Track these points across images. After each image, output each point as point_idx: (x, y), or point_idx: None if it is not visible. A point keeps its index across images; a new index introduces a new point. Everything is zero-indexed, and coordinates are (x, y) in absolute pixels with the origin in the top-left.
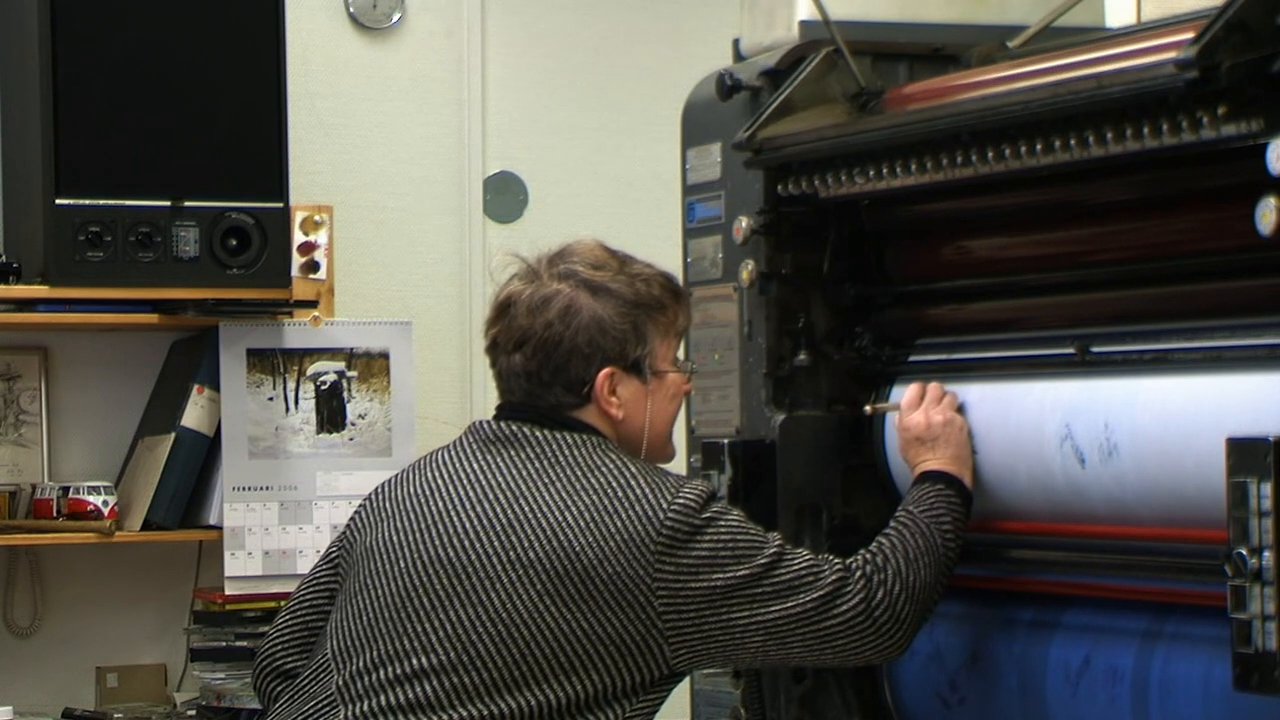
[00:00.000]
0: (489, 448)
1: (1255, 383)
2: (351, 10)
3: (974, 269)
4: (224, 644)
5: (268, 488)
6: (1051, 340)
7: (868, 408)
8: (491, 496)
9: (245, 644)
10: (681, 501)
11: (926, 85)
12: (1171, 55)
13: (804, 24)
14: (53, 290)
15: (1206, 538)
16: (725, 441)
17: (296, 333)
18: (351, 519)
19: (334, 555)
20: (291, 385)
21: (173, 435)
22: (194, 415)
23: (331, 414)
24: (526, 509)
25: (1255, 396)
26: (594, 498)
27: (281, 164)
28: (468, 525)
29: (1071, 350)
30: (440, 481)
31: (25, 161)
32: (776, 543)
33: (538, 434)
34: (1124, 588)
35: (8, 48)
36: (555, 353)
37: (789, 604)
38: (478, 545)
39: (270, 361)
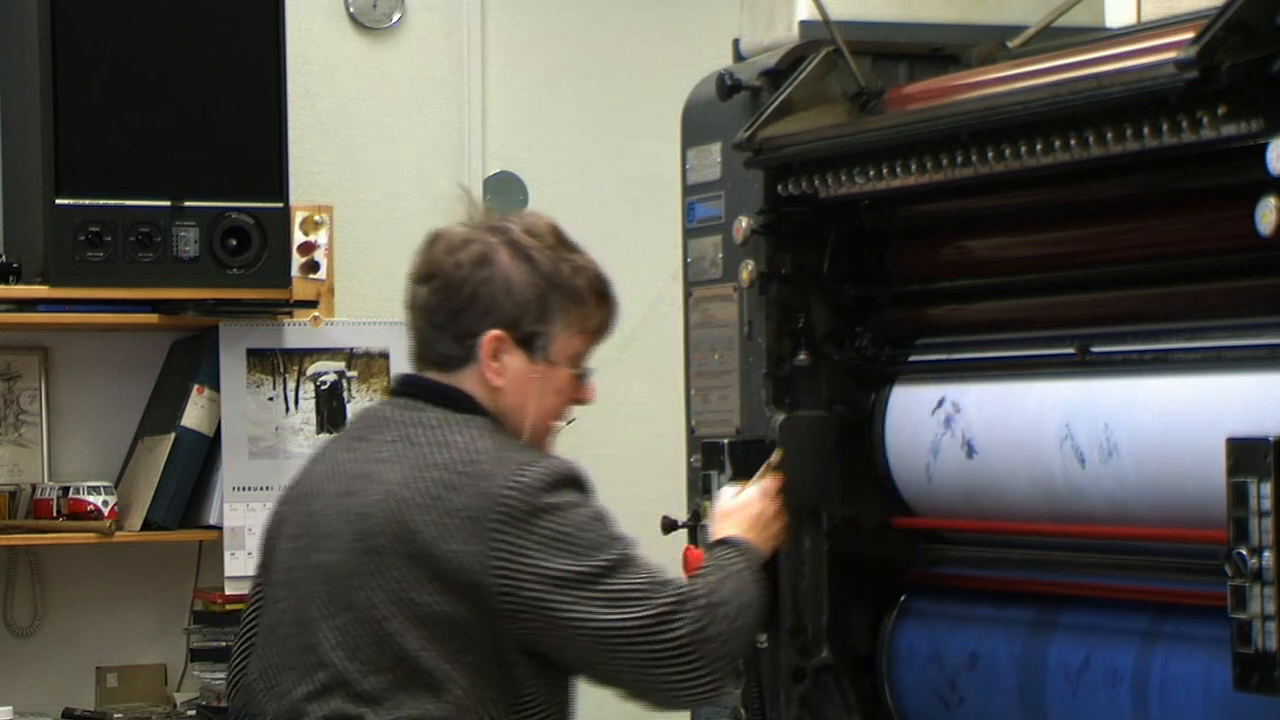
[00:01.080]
0: (360, 436)
1: (1255, 383)
2: (351, 10)
3: (974, 269)
4: (224, 644)
5: (268, 488)
6: (1051, 340)
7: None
8: (351, 486)
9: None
10: (521, 479)
11: (926, 85)
12: (1171, 55)
13: (804, 24)
14: (53, 290)
15: (1206, 538)
16: (725, 441)
17: (296, 333)
18: (264, 535)
19: (258, 581)
20: (291, 385)
21: (173, 435)
22: (194, 415)
23: (331, 414)
24: (376, 492)
25: (1255, 396)
26: (437, 474)
27: (281, 164)
28: (332, 523)
29: (1071, 350)
30: (317, 480)
31: (25, 161)
32: (622, 550)
33: (405, 415)
34: (1124, 588)
35: (8, 48)
36: (455, 296)
37: (620, 615)
38: (341, 542)
39: (270, 361)
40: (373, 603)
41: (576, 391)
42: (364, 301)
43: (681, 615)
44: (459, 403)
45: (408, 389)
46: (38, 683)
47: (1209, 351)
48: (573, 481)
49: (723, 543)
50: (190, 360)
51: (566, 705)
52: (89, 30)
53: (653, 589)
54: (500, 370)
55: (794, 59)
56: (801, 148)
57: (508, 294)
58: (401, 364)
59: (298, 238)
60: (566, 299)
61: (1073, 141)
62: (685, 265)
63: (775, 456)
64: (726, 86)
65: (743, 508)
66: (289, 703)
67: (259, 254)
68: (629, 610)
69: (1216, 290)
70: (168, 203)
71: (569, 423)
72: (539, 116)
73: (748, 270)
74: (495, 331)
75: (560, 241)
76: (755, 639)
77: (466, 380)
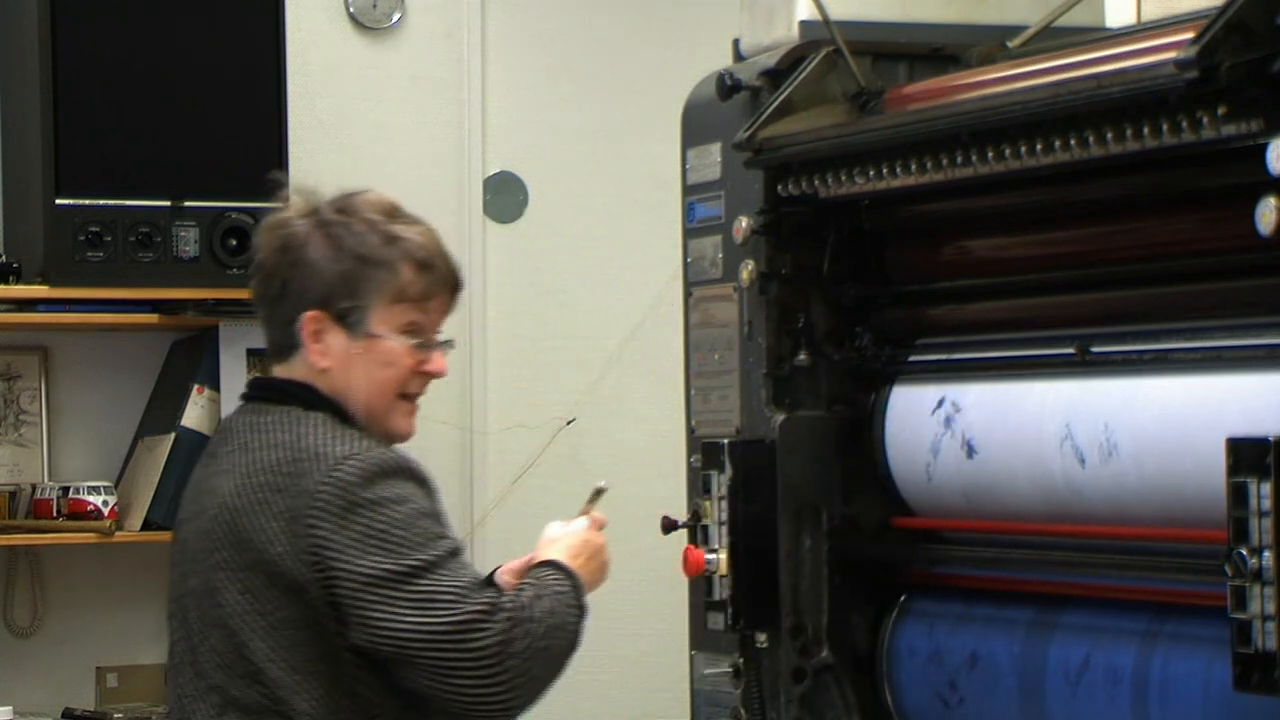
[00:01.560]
0: (211, 451)
1: (1255, 383)
2: (351, 10)
3: (974, 269)
4: None
5: None
6: (1051, 340)
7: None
8: (201, 505)
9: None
10: (337, 474)
11: (926, 85)
12: (1171, 55)
13: (804, 24)
14: (53, 290)
15: (1206, 538)
16: (725, 441)
17: None
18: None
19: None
20: None
21: (173, 435)
22: (194, 415)
23: None
24: (215, 507)
25: (1255, 396)
26: (262, 479)
27: (281, 164)
28: (192, 544)
29: (1071, 350)
30: (185, 502)
31: (25, 161)
32: (440, 552)
33: (245, 421)
34: (1124, 588)
35: (8, 48)
36: (271, 284)
37: (423, 618)
38: (199, 564)
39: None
40: (229, 615)
41: (416, 363)
42: None
43: (488, 625)
44: (301, 398)
45: (255, 392)
46: (38, 683)
47: (1209, 351)
48: (398, 473)
49: (547, 564)
50: (190, 360)
51: None
52: (89, 30)
53: (463, 594)
54: (324, 351)
55: (794, 59)
56: (801, 148)
57: (313, 275)
58: None
59: None
60: (376, 270)
61: (1073, 141)
62: (685, 265)
63: (601, 484)
64: (726, 86)
65: (571, 535)
66: None
67: None
68: (434, 614)
69: (1216, 290)
70: (168, 203)
71: (418, 396)
72: (539, 116)
73: (748, 270)
74: (311, 312)
75: (385, 214)
76: (562, 667)
77: (299, 367)
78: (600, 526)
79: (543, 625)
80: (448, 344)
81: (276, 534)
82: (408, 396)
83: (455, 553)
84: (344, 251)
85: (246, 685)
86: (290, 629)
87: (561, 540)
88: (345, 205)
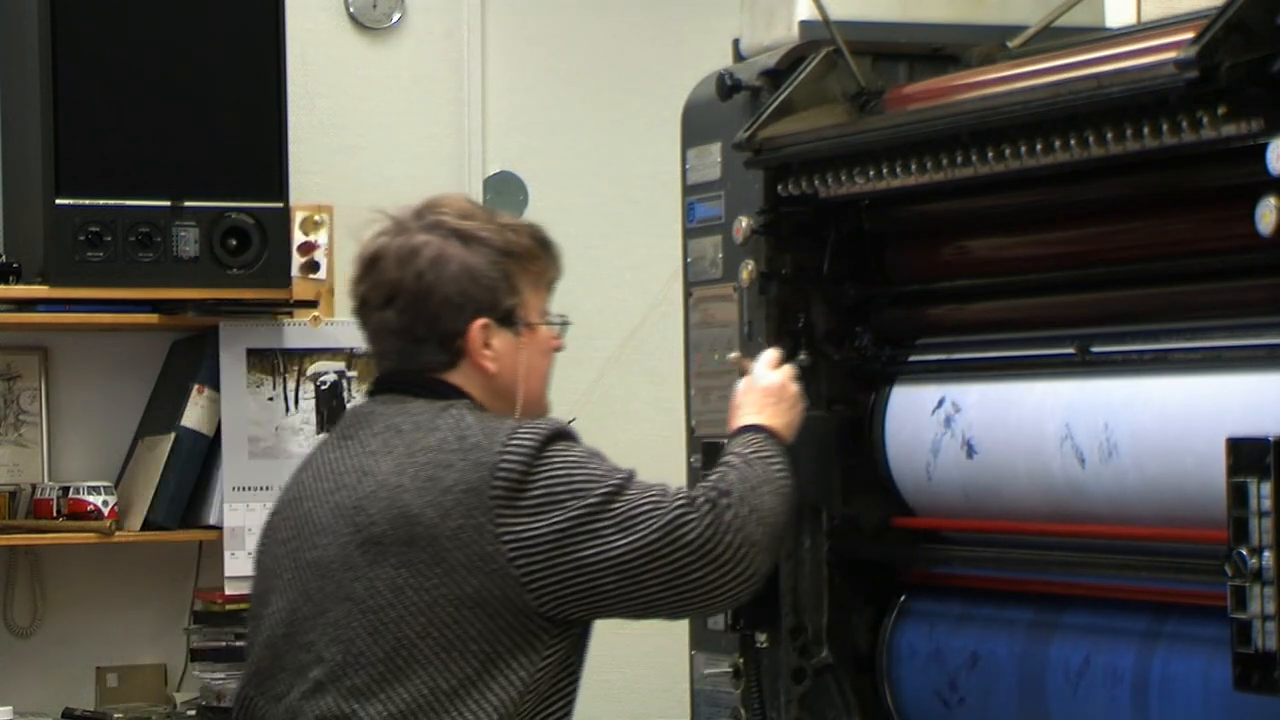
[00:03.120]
0: (346, 434)
1: (1255, 383)
2: (351, 10)
3: (974, 269)
4: (224, 644)
5: (268, 488)
6: (1051, 340)
7: (732, 355)
8: (341, 483)
9: (245, 644)
10: (513, 444)
11: (926, 85)
12: (1171, 55)
13: (804, 24)
14: (53, 290)
15: (1206, 538)
16: (725, 441)
17: (296, 333)
18: (257, 546)
19: (250, 594)
20: (291, 385)
21: (173, 435)
22: (194, 415)
23: (331, 414)
24: (370, 485)
25: (1255, 396)
26: (429, 456)
27: (281, 164)
28: (325, 519)
29: (1071, 350)
30: (307, 482)
31: (25, 161)
32: (620, 476)
33: (388, 409)
34: (1124, 588)
35: (8, 48)
36: (427, 304)
37: (632, 536)
38: (335, 536)
39: (270, 361)
40: (371, 592)
41: (554, 341)
42: None
43: (691, 517)
44: (439, 391)
45: (391, 384)
46: (38, 683)
47: (1209, 351)
48: (564, 435)
49: (736, 432)
50: (190, 360)
51: (567, 708)
52: (89, 30)
53: (657, 502)
54: (494, 356)
55: (794, 59)
56: (801, 148)
57: (475, 282)
58: None
59: (298, 238)
60: (524, 262)
61: (1073, 141)
62: (685, 265)
63: (733, 354)
64: (726, 86)
65: (750, 392)
66: (285, 705)
67: (259, 254)
68: (640, 528)
69: (1216, 290)
70: (168, 203)
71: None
72: (539, 116)
73: (748, 270)
74: (478, 321)
75: (486, 211)
76: (784, 518)
77: (458, 376)
78: (775, 364)
79: (748, 492)
80: (568, 322)
81: (450, 509)
82: None
83: (632, 475)
84: (494, 252)
85: (368, 664)
86: (450, 606)
87: (744, 402)
88: (457, 210)
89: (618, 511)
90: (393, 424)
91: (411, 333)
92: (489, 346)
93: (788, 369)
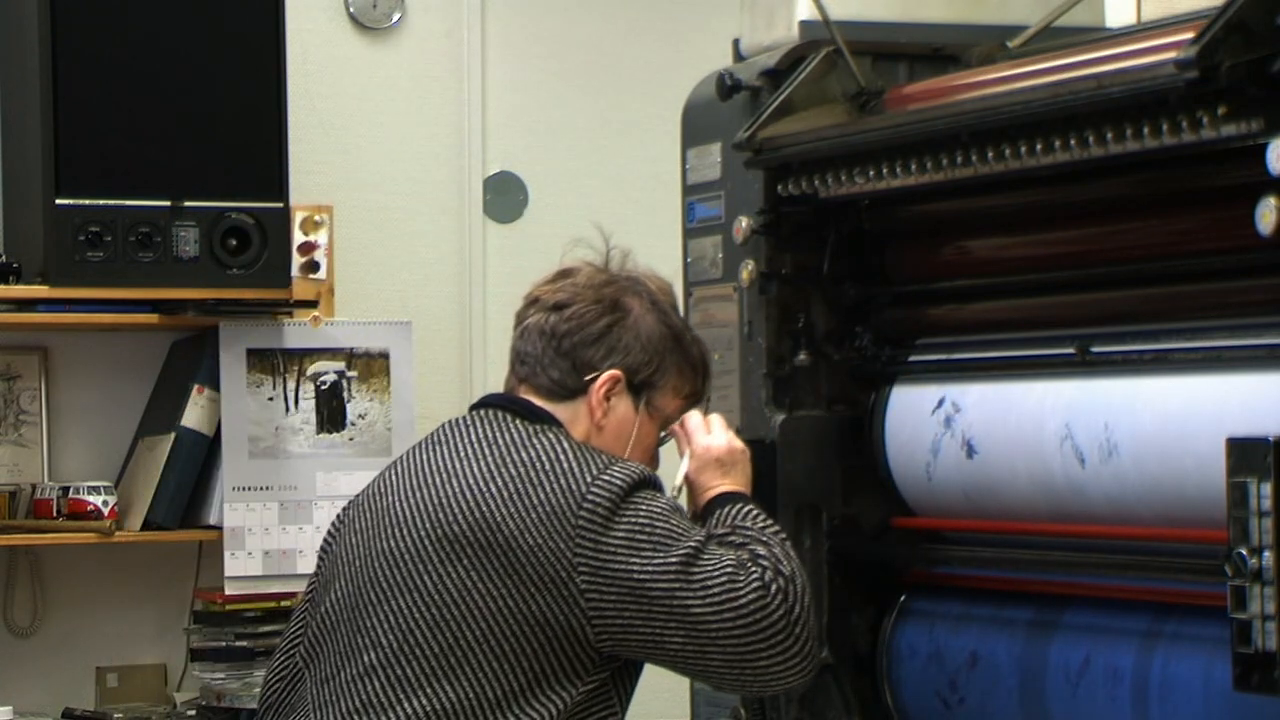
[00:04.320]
0: (438, 440)
1: (1255, 383)
2: (351, 10)
3: (974, 269)
4: (224, 644)
5: (268, 488)
6: (1051, 340)
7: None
8: (426, 482)
9: (245, 644)
10: (606, 478)
11: (926, 85)
12: (1171, 55)
13: (804, 24)
14: (53, 290)
15: (1206, 538)
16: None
17: (296, 333)
18: (325, 537)
19: (312, 581)
20: (291, 385)
21: (173, 435)
22: (194, 415)
23: (331, 414)
24: (455, 486)
25: (1255, 396)
26: (520, 470)
27: (281, 164)
28: (404, 512)
29: (1071, 350)
30: (391, 480)
31: (25, 161)
32: (698, 538)
33: (484, 423)
34: (1124, 588)
35: (8, 48)
36: (589, 327)
37: (710, 607)
38: (412, 530)
39: (270, 361)
40: (439, 588)
41: (654, 442)
42: (364, 301)
43: (771, 599)
44: (541, 417)
45: (497, 403)
46: (38, 683)
47: (1209, 351)
48: (652, 483)
49: (723, 501)
50: (190, 360)
51: None
52: (89, 30)
53: (733, 575)
54: (607, 410)
55: (794, 59)
56: (801, 148)
57: (637, 339)
58: (401, 363)
59: (298, 238)
60: (683, 361)
61: (1073, 141)
62: (685, 265)
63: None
64: (726, 86)
65: (718, 458)
66: (332, 686)
67: (259, 254)
68: (716, 601)
69: (1216, 290)
70: (168, 203)
71: None
72: (539, 116)
73: (748, 270)
74: (615, 371)
75: (678, 308)
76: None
77: (565, 411)
78: (708, 427)
79: (793, 572)
80: (669, 438)
81: (532, 524)
82: None
83: (707, 538)
84: (669, 330)
85: (421, 656)
86: (510, 618)
87: (738, 468)
88: (661, 286)
89: (697, 576)
90: (488, 435)
91: (560, 343)
92: (608, 399)
93: (719, 424)
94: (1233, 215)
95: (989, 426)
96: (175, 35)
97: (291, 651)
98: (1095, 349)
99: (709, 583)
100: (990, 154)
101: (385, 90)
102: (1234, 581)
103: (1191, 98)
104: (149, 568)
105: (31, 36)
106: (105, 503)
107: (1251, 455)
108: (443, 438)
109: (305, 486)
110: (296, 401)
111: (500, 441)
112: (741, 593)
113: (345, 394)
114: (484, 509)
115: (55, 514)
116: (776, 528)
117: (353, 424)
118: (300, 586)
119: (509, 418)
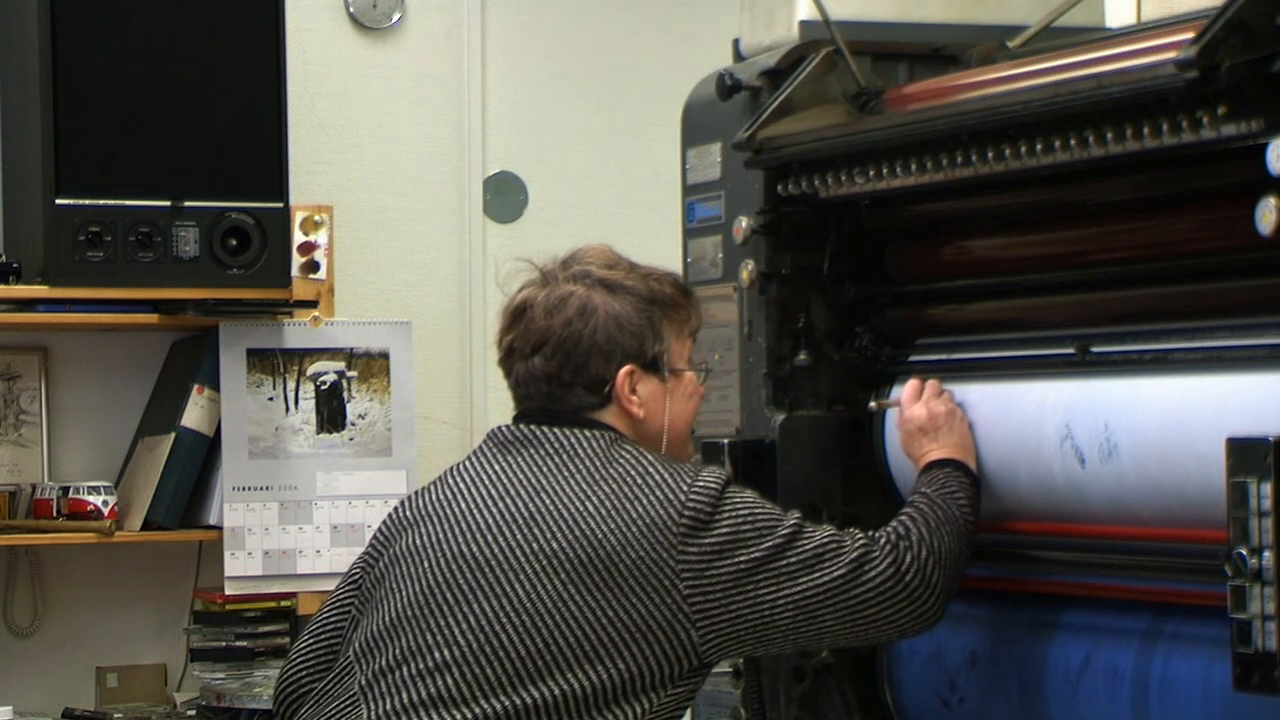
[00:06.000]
0: (507, 449)
1: (1255, 383)
2: (351, 10)
3: (974, 269)
4: (224, 644)
5: (268, 488)
6: (1051, 340)
7: (872, 404)
8: (512, 492)
9: (245, 644)
10: (701, 484)
11: (926, 85)
12: (1171, 55)
13: (804, 24)
14: (53, 290)
15: (1206, 538)
16: (725, 441)
17: (296, 333)
18: (375, 535)
19: (355, 574)
20: (291, 385)
21: (173, 435)
22: (194, 415)
23: (331, 414)
24: (547, 501)
25: (1255, 396)
26: (613, 486)
27: (281, 164)
28: (490, 521)
29: (1071, 350)
30: (462, 485)
31: (25, 161)
32: (795, 517)
33: (554, 433)
34: (1124, 588)
35: (8, 48)
36: (575, 351)
37: (816, 575)
38: (500, 539)
39: (270, 361)
40: (532, 598)
41: (699, 388)
42: (364, 301)
43: (873, 556)
44: (595, 427)
45: (539, 417)
46: (38, 683)
47: (1209, 351)
48: (735, 481)
49: (927, 468)
50: (190, 360)
51: None
52: (89, 30)
53: (838, 540)
54: (641, 402)
55: (794, 59)
56: (801, 148)
57: (622, 330)
58: (401, 363)
59: (298, 238)
60: (668, 310)
61: (1073, 141)
62: (685, 265)
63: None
64: (726, 86)
65: (921, 427)
66: (393, 679)
67: (259, 254)
68: (824, 568)
69: (1216, 290)
70: (168, 203)
71: None
72: (539, 116)
73: (748, 270)
74: (626, 368)
75: (628, 263)
76: (966, 555)
77: (606, 416)
78: (915, 395)
79: (927, 533)
80: (710, 368)
81: (634, 538)
82: None
83: (805, 518)
84: (640, 301)
85: (504, 660)
86: (609, 625)
87: (943, 432)
88: (601, 260)
89: (802, 549)
90: (565, 448)
91: (559, 378)
92: (635, 392)
93: (928, 392)
94: (1233, 215)
95: (989, 426)
96: (175, 35)
97: (325, 638)
98: (1095, 349)
99: (816, 554)
100: (990, 154)
101: (385, 90)
102: (1234, 581)
103: (1191, 98)
104: (149, 568)
105: (31, 36)
106: (105, 503)
107: (1251, 455)
108: (510, 448)
109: (305, 486)
110: (296, 401)
111: (582, 454)
112: (847, 555)
113: (345, 394)
114: (583, 526)
115: (55, 514)
116: (963, 499)
117: (353, 424)
118: (300, 586)
119: (578, 431)
